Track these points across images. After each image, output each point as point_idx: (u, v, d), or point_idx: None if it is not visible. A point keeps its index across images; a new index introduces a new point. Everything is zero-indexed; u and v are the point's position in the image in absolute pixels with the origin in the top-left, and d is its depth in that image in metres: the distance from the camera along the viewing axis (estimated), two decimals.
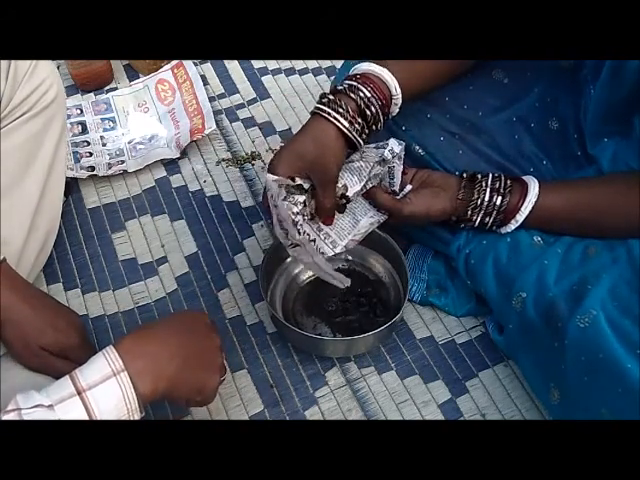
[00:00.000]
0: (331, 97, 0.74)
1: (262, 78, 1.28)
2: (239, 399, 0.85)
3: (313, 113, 0.75)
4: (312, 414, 0.85)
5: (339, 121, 0.73)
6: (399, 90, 0.76)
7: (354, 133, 0.74)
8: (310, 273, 0.97)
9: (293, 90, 1.25)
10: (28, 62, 0.81)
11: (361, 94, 0.74)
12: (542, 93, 0.87)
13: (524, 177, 0.80)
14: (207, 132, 1.14)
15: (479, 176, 0.80)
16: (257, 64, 1.30)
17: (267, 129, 1.19)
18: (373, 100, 0.74)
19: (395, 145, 0.79)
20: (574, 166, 0.84)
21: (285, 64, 1.30)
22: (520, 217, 0.79)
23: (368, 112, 0.74)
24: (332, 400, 0.86)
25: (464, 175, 0.82)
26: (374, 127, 0.76)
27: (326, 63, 1.31)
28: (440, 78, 0.83)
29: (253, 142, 1.17)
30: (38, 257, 0.89)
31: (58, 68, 1.27)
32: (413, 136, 0.86)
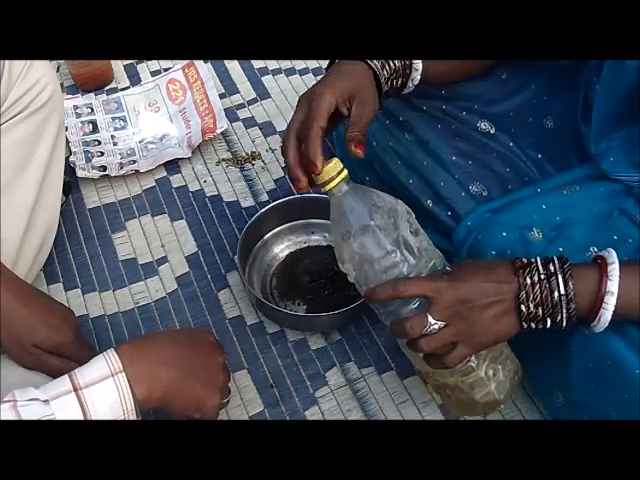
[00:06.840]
0: None
1: (262, 78, 1.28)
2: (239, 399, 0.85)
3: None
4: (312, 414, 0.84)
5: (371, 60, 0.73)
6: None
7: (383, 73, 0.73)
8: (289, 250, 0.99)
9: (293, 90, 1.25)
10: (22, 62, 0.81)
11: None
12: (539, 90, 0.87)
13: (603, 253, 0.64)
14: (219, 131, 1.13)
15: (530, 261, 0.64)
16: (257, 64, 1.30)
17: (267, 129, 1.19)
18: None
19: None
20: (569, 163, 0.84)
21: (285, 64, 1.30)
22: (609, 306, 0.61)
23: (392, 64, 0.74)
24: (332, 400, 0.86)
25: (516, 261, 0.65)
26: (395, 82, 0.76)
27: (326, 63, 1.30)
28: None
29: (253, 142, 1.17)
30: (37, 256, 0.89)
31: (58, 68, 1.27)
32: (407, 125, 0.87)
